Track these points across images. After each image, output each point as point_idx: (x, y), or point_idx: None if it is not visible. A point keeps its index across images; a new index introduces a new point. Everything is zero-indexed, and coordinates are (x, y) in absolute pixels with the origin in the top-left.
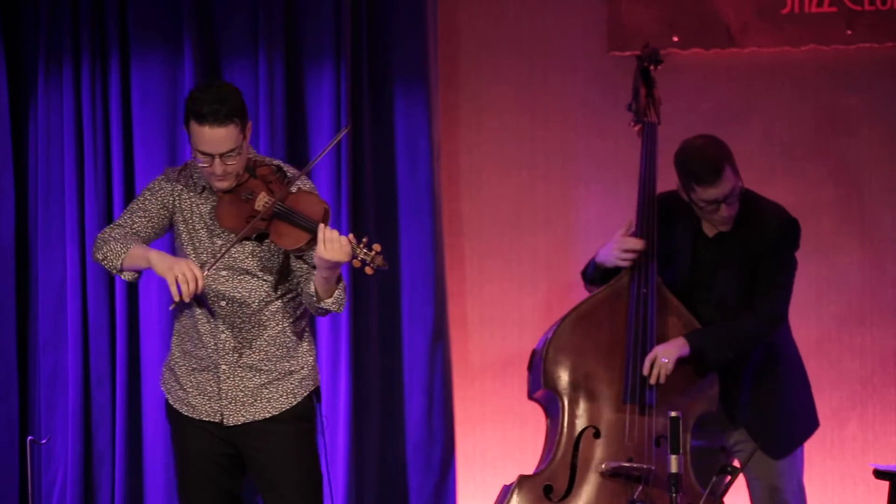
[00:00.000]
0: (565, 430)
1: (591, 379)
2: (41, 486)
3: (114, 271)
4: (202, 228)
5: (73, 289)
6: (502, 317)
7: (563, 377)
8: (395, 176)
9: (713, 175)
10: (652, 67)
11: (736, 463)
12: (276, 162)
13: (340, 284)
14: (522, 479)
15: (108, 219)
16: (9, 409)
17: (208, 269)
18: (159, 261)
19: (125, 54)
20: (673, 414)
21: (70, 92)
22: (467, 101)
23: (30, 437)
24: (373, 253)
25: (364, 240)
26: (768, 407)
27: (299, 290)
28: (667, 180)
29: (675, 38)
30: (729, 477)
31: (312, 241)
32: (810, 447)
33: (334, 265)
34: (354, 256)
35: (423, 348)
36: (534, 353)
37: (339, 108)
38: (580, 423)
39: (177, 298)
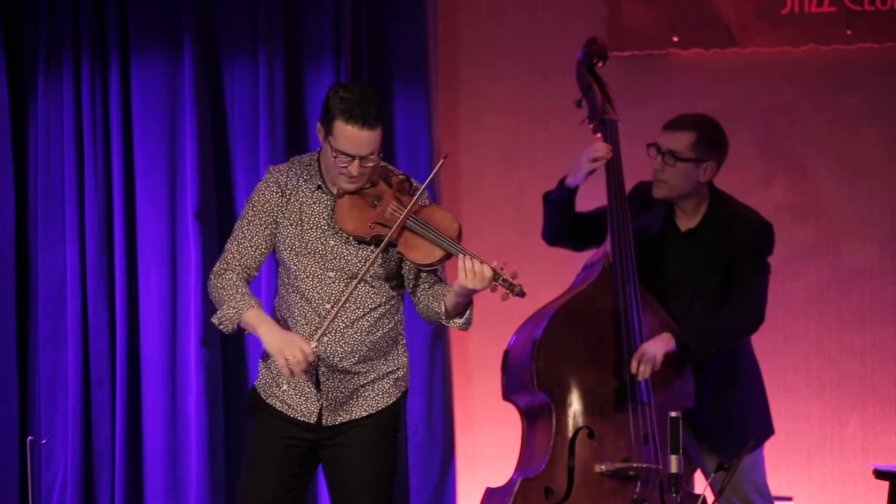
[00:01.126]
0: (559, 431)
1: (583, 378)
2: (41, 486)
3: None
4: (312, 228)
5: (73, 289)
6: (502, 317)
7: (556, 378)
8: None
9: (675, 124)
10: (600, 64)
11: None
12: (402, 173)
13: (471, 306)
14: (523, 482)
15: (109, 219)
16: (9, 409)
17: (337, 308)
18: (269, 338)
19: (125, 54)
20: (673, 414)
21: (70, 92)
22: (467, 101)
23: (30, 437)
24: (511, 281)
25: (503, 266)
26: (725, 409)
27: (398, 299)
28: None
29: (675, 38)
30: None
31: (444, 259)
32: (810, 447)
33: (472, 292)
34: (495, 281)
35: (423, 348)
36: (507, 353)
37: None
38: (573, 424)
39: (289, 378)
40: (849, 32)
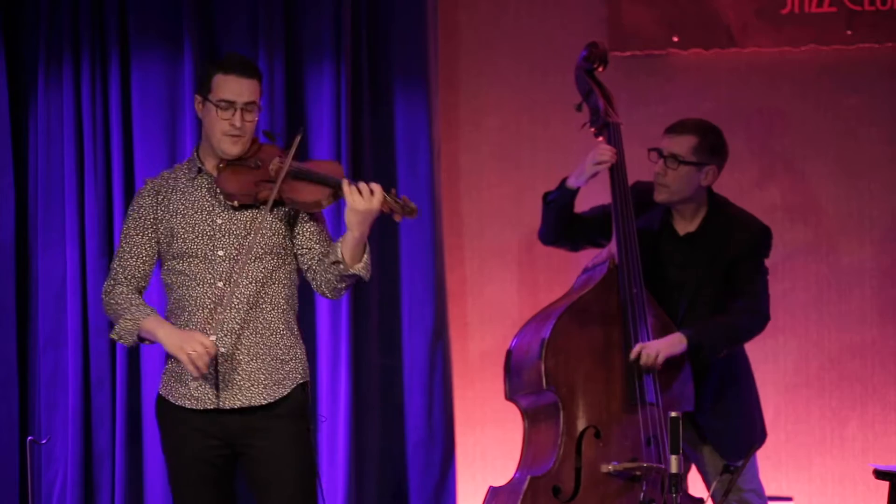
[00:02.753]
0: (566, 430)
1: (590, 379)
2: (41, 486)
3: (133, 346)
4: (197, 212)
5: (73, 289)
6: (502, 317)
7: (564, 377)
8: (396, 176)
9: (677, 128)
10: (600, 69)
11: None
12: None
13: (367, 249)
14: (532, 480)
15: (109, 219)
16: (9, 409)
17: (240, 268)
18: (168, 339)
19: (125, 54)
20: (673, 414)
21: (70, 92)
22: (467, 101)
23: (30, 438)
24: (402, 200)
25: (392, 190)
26: (727, 412)
27: (292, 276)
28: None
29: (675, 38)
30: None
31: (332, 196)
32: (810, 447)
33: (365, 217)
34: (386, 201)
35: (423, 348)
36: (510, 353)
37: (339, 108)
38: (581, 424)
39: (196, 374)
40: (849, 32)
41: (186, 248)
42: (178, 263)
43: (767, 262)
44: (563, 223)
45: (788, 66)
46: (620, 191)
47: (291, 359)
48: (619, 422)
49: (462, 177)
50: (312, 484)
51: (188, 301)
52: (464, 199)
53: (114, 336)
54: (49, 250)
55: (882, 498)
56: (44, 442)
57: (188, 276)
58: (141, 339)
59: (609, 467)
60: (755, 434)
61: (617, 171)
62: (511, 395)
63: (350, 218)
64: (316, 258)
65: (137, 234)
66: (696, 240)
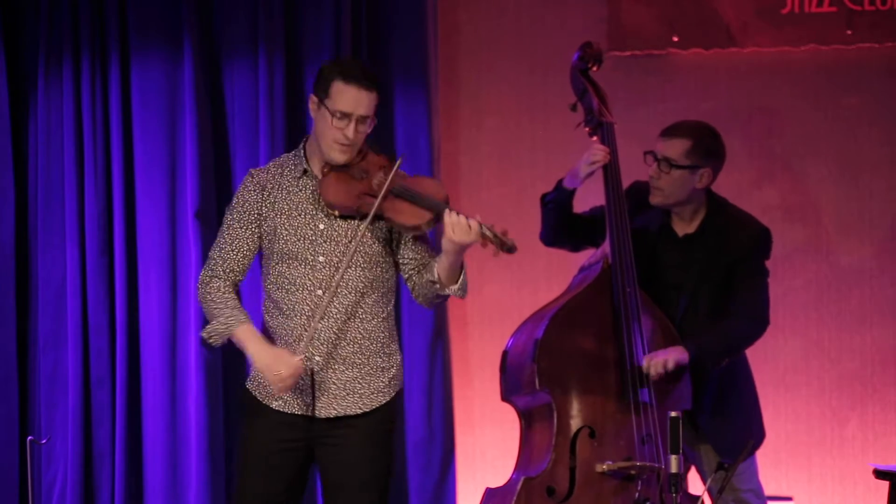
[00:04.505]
0: (561, 431)
1: (584, 379)
2: (41, 486)
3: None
4: (300, 214)
5: (73, 289)
6: (502, 317)
7: (557, 377)
8: None
9: (670, 131)
10: (595, 69)
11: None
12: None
13: (464, 270)
14: (526, 481)
15: (109, 219)
16: (9, 409)
17: (336, 280)
18: (257, 357)
19: (125, 54)
20: (673, 414)
21: (70, 92)
22: (467, 101)
23: (30, 437)
24: (499, 235)
25: (492, 226)
26: (727, 412)
27: (390, 285)
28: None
29: (675, 38)
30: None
31: (432, 221)
32: (810, 447)
33: (461, 248)
34: (483, 237)
35: (423, 348)
36: (506, 354)
37: None
38: (575, 424)
39: (278, 395)
40: (849, 32)
41: (288, 250)
42: (278, 265)
43: (767, 263)
44: (562, 224)
45: (788, 66)
46: (614, 190)
47: (392, 366)
48: (614, 421)
49: (462, 177)
50: (386, 489)
51: (286, 305)
52: (464, 199)
53: (204, 335)
54: (49, 250)
55: (882, 498)
56: (44, 441)
57: (288, 279)
58: (230, 342)
59: (604, 467)
60: (754, 434)
61: (610, 170)
62: (507, 396)
63: (446, 245)
64: (417, 269)
65: (241, 228)
66: (694, 241)
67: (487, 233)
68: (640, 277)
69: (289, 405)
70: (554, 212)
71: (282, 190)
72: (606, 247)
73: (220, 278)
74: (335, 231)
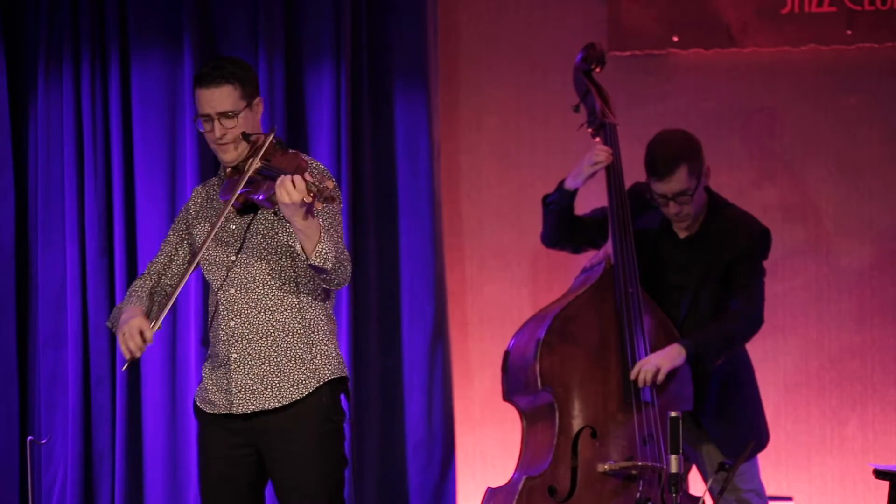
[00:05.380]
0: (562, 430)
1: (586, 379)
2: (41, 486)
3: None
4: (216, 216)
5: (73, 289)
6: (502, 317)
7: (559, 377)
8: (395, 176)
9: (665, 170)
10: (598, 70)
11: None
12: (274, 136)
13: (323, 237)
14: (527, 481)
15: (109, 219)
16: (9, 409)
17: (196, 259)
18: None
19: (125, 54)
20: (673, 414)
21: (70, 92)
22: (467, 101)
23: (30, 437)
24: (322, 184)
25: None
26: (731, 412)
27: (299, 273)
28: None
29: (675, 38)
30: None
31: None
32: (810, 447)
33: (294, 210)
34: (310, 192)
35: (423, 348)
36: (507, 354)
37: (339, 108)
38: (577, 424)
39: (127, 356)
40: (849, 32)
41: (208, 255)
42: (205, 272)
43: (766, 263)
44: (563, 225)
45: (788, 66)
46: (616, 191)
47: (316, 356)
48: (616, 421)
49: (462, 177)
50: (336, 486)
51: (211, 306)
52: (464, 199)
53: (108, 324)
54: (49, 250)
55: (882, 498)
56: (44, 442)
57: (210, 282)
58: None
59: (605, 466)
60: (759, 434)
61: (613, 171)
62: (508, 396)
63: (282, 211)
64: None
65: (175, 234)
66: (695, 242)
67: (311, 188)
68: (642, 278)
69: (215, 406)
70: (555, 213)
71: (208, 196)
72: (609, 248)
73: (142, 278)
74: (240, 228)
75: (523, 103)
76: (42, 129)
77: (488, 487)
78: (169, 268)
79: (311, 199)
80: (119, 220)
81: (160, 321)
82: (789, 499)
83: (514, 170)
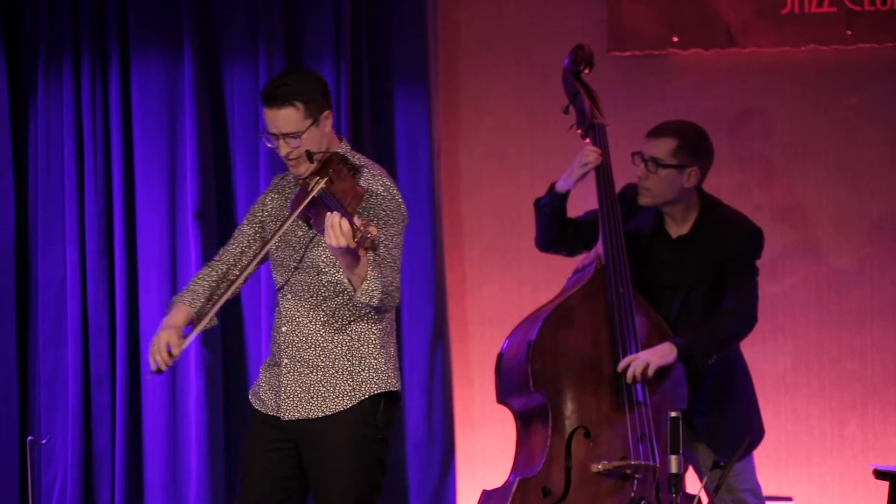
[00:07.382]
0: (556, 431)
1: (578, 379)
2: (41, 486)
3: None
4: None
5: (73, 289)
6: (502, 317)
7: (551, 379)
8: (395, 176)
9: (659, 130)
10: (587, 71)
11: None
12: (344, 151)
13: (371, 275)
14: (521, 482)
15: (109, 219)
16: (9, 409)
17: (249, 268)
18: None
19: (125, 54)
20: (673, 414)
21: (70, 92)
22: (467, 101)
23: (30, 437)
24: (366, 231)
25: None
26: (723, 412)
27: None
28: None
29: (675, 38)
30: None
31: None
32: (810, 447)
33: (341, 253)
34: (355, 238)
35: (423, 348)
36: (500, 356)
37: (339, 108)
38: (570, 424)
39: (153, 368)
40: (849, 32)
41: (277, 256)
42: (273, 271)
43: (767, 263)
44: (556, 228)
45: (788, 66)
46: (606, 191)
47: (364, 369)
48: (609, 421)
49: (462, 177)
50: (365, 490)
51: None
52: (464, 199)
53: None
54: (49, 250)
55: (882, 498)
56: (44, 442)
57: (275, 281)
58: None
59: (599, 466)
60: (752, 432)
61: (603, 171)
62: (502, 399)
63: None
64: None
65: (247, 227)
66: (688, 242)
67: (357, 235)
68: (634, 279)
69: (264, 405)
70: (548, 216)
71: (282, 195)
72: (599, 248)
73: (209, 266)
74: (307, 236)
75: (523, 103)
76: (42, 129)
77: (483, 490)
78: (240, 260)
79: (355, 244)
80: (119, 221)
81: (204, 323)
82: (789, 499)
83: (514, 170)
